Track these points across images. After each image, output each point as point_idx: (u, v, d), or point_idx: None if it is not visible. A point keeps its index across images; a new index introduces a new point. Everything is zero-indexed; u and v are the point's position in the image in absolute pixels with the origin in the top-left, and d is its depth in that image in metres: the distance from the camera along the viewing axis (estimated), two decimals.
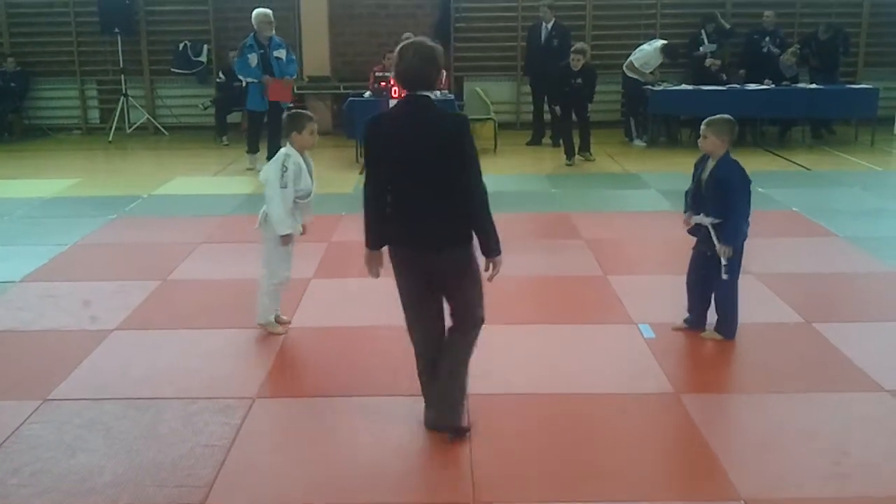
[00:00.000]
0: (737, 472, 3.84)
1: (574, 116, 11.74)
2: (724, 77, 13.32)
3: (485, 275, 3.98)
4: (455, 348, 4.09)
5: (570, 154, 11.74)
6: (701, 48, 13.56)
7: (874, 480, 3.78)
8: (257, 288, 5.51)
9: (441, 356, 4.09)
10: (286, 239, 5.34)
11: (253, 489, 3.75)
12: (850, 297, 6.25)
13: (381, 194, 3.92)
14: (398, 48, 3.87)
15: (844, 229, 7.89)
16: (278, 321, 5.57)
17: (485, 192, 3.83)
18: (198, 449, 4.07)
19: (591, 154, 11.88)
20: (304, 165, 5.29)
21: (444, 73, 12.79)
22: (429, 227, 3.86)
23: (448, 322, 4.12)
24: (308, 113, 5.45)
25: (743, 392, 4.72)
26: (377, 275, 4.09)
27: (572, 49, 11.58)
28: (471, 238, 3.90)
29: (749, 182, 5.09)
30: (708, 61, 13.44)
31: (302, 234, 5.57)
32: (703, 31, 13.74)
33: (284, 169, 5.18)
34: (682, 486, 3.79)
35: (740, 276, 5.24)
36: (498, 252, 3.92)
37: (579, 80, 11.53)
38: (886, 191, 9.95)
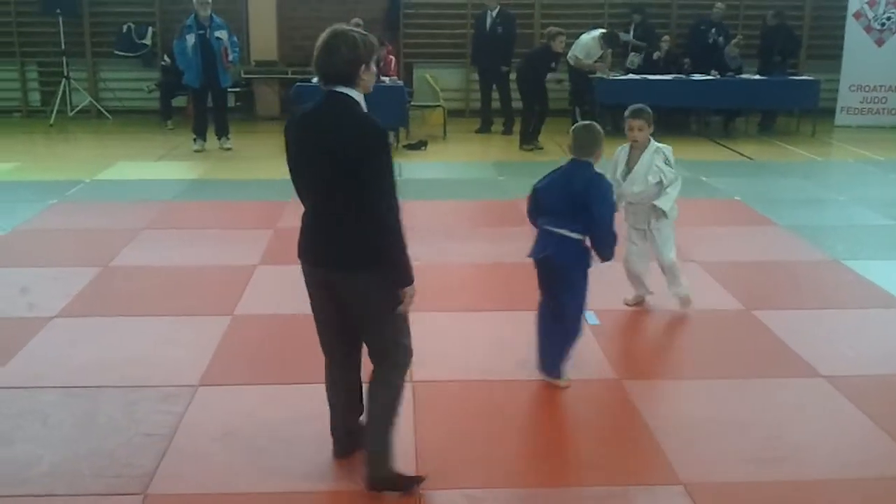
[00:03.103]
0: (677, 456, 3.90)
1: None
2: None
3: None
4: (375, 402, 3.54)
5: (524, 139, 11.96)
6: (622, 35, 13.38)
7: (809, 464, 3.87)
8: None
9: (364, 408, 3.64)
10: None
11: (196, 478, 3.71)
12: (789, 285, 6.37)
13: (302, 199, 3.49)
14: (319, 42, 3.30)
15: (785, 218, 8.04)
16: None
17: (394, 216, 3.26)
18: (138, 438, 4.01)
19: (537, 143, 12.04)
20: None
21: (394, 60, 12.77)
22: (336, 243, 3.36)
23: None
24: None
25: (684, 378, 4.79)
26: None
27: (555, 32, 11.65)
28: (375, 262, 3.34)
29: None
30: (630, 59, 13.43)
31: None
32: (632, 25, 13.90)
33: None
34: (623, 471, 3.83)
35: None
36: (408, 282, 3.34)
37: (553, 64, 11.78)
38: (826, 181, 10.16)
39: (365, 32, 3.34)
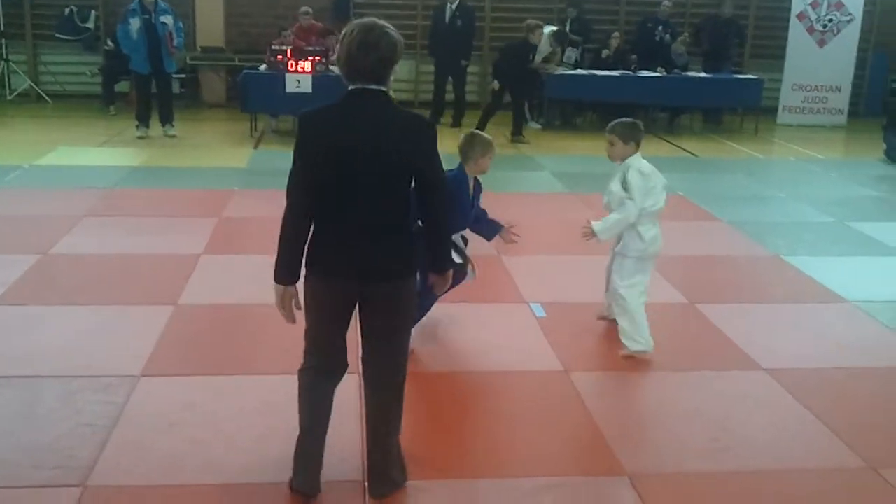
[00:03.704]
0: (622, 448, 3.93)
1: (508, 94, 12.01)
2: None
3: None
4: (394, 417, 3.44)
5: (518, 130, 12.09)
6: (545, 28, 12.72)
7: (750, 455, 3.93)
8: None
9: (371, 422, 3.47)
10: None
11: (138, 470, 3.64)
12: (731, 280, 6.47)
13: (308, 209, 3.10)
14: (348, 31, 3.09)
15: (728, 214, 8.17)
16: None
17: (450, 206, 3.38)
18: (78, 429, 3.92)
19: (523, 136, 12.21)
20: None
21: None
22: (378, 253, 3.15)
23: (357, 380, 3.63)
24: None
25: (629, 370, 4.84)
26: (294, 318, 3.27)
27: (535, 25, 11.76)
28: (417, 267, 3.34)
29: None
30: (566, 54, 13.33)
31: None
32: (568, 19, 14.00)
33: None
34: (570, 463, 3.86)
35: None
36: (450, 265, 3.49)
37: (531, 57, 11.88)
38: (768, 178, 10.35)
39: (396, 29, 3.16)
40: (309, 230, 3.13)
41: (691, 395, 4.54)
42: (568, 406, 4.37)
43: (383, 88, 3.11)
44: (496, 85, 12.04)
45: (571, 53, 13.48)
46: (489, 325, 5.37)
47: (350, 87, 3.11)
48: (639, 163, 4.80)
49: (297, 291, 3.22)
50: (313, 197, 3.09)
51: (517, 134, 12.06)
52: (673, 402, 4.47)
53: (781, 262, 6.84)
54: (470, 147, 4.77)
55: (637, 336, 4.87)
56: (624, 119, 4.97)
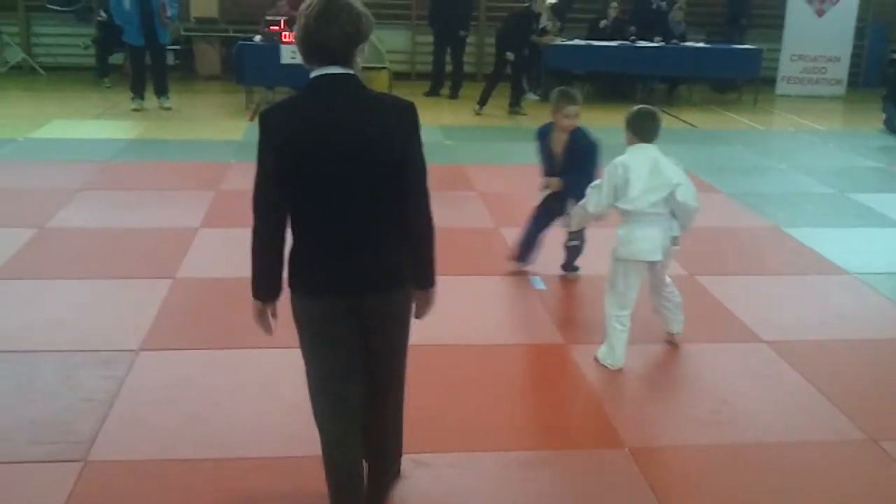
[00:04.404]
0: (622, 421, 3.93)
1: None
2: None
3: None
4: (397, 424, 3.21)
5: (485, 102, 11.92)
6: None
7: (749, 428, 3.92)
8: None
9: (370, 458, 3.12)
10: None
11: (137, 445, 3.62)
12: (731, 252, 6.45)
13: (282, 217, 2.71)
14: (306, 3, 2.66)
15: (728, 186, 8.14)
16: None
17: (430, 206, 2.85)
18: (77, 404, 3.90)
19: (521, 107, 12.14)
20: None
21: None
22: (371, 259, 2.75)
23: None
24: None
25: (629, 342, 4.82)
26: (271, 330, 2.93)
27: None
28: (411, 274, 2.91)
29: None
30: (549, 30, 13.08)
31: None
32: None
33: None
34: (570, 436, 3.85)
35: None
36: (435, 281, 2.97)
37: (535, 25, 11.84)
38: (768, 149, 10.31)
39: (363, 3, 2.70)
40: (283, 240, 2.74)
41: (691, 367, 4.54)
42: (568, 379, 4.37)
43: (350, 72, 2.67)
44: (511, 55, 11.83)
45: (556, 23, 13.40)
46: (489, 297, 5.36)
47: (312, 75, 2.67)
48: (627, 155, 4.33)
49: (275, 303, 2.88)
50: (285, 206, 2.69)
51: (515, 105, 11.98)
52: (672, 374, 4.46)
53: (781, 233, 6.82)
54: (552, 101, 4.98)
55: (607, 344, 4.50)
56: (640, 107, 4.50)
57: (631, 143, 4.38)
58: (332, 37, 2.60)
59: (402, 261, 2.83)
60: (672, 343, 4.69)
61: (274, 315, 2.91)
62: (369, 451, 3.08)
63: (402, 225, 2.78)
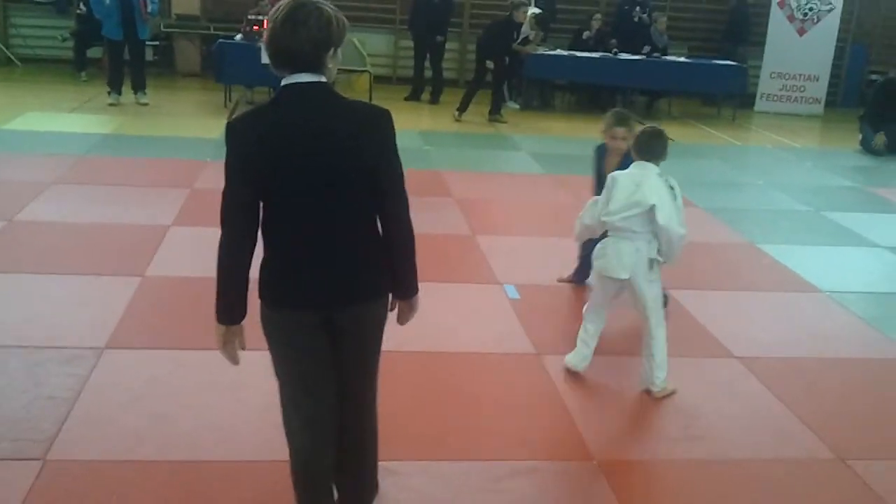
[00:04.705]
0: (593, 434, 3.91)
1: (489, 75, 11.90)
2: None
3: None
4: (373, 437, 3.09)
5: (465, 108, 11.88)
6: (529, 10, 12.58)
7: (721, 444, 3.91)
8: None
9: (343, 479, 3.05)
10: None
11: (100, 444, 3.56)
12: (706, 267, 6.45)
13: (248, 234, 2.61)
14: (275, 7, 2.57)
15: (704, 201, 8.15)
16: None
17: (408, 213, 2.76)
18: (40, 401, 3.83)
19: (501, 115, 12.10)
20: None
21: None
22: (344, 271, 2.66)
23: None
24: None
25: (602, 354, 4.78)
26: (237, 360, 2.80)
27: (519, 3, 11.61)
28: (389, 285, 2.84)
29: None
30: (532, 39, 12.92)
31: None
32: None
33: None
34: (540, 448, 3.82)
35: None
36: (418, 289, 2.91)
37: (516, 34, 11.80)
38: (744, 165, 10.36)
39: (336, 7, 2.63)
40: (250, 259, 2.62)
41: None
42: (540, 390, 4.34)
43: (321, 79, 2.57)
44: (490, 64, 11.82)
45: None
46: (461, 305, 5.32)
47: (283, 83, 2.58)
48: (625, 170, 4.34)
49: (242, 330, 2.75)
50: (254, 219, 2.60)
51: (495, 112, 11.98)
52: (642, 388, 4.44)
53: (756, 250, 6.83)
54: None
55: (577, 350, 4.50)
56: (647, 126, 4.52)
57: (636, 160, 4.35)
58: (299, 42, 2.50)
59: (379, 272, 2.75)
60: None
61: (242, 346, 2.77)
62: (344, 464, 2.99)
63: (378, 234, 2.70)
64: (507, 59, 11.85)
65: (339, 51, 2.62)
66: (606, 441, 3.86)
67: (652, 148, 4.33)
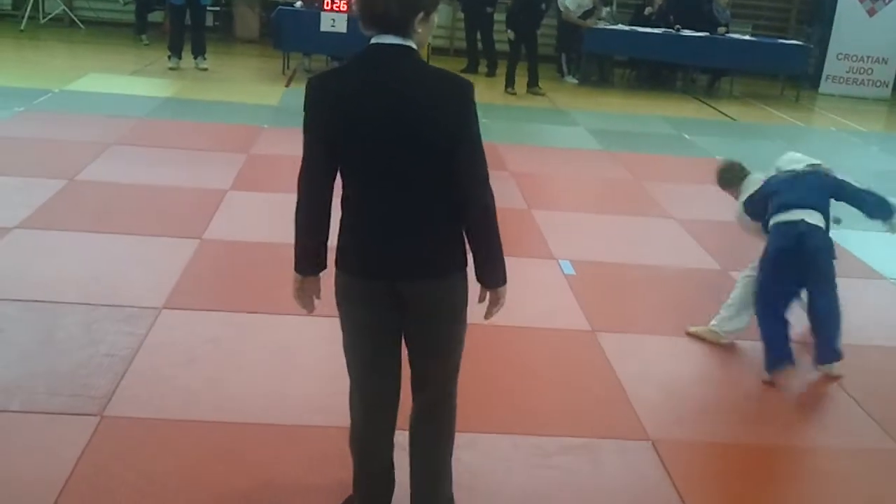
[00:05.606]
0: (646, 412, 3.84)
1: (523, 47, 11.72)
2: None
3: (475, 311, 2.75)
4: (449, 439, 2.89)
5: (510, 82, 11.75)
6: None
7: (780, 430, 3.82)
8: None
9: (414, 457, 2.89)
10: None
11: (155, 402, 3.59)
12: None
13: (324, 191, 2.55)
14: None
15: None
16: None
17: (492, 195, 2.58)
18: (97, 358, 3.87)
19: (539, 87, 11.88)
20: None
21: None
22: (415, 244, 2.55)
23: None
24: None
25: (657, 333, 4.73)
26: (310, 308, 2.77)
27: None
28: (466, 262, 2.66)
29: None
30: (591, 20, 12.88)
31: None
32: None
33: None
34: (592, 424, 3.77)
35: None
36: (505, 279, 2.73)
37: (544, 6, 11.62)
38: (808, 147, 10.04)
39: None
40: (328, 215, 2.58)
41: (722, 363, 4.43)
42: (593, 366, 4.28)
43: (407, 43, 2.46)
44: (511, 35, 11.72)
45: (603, 10, 13.20)
46: (517, 279, 5.17)
47: (370, 42, 2.49)
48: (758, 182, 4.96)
49: (318, 281, 2.71)
50: (328, 175, 2.53)
51: (533, 85, 11.85)
52: (701, 367, 4.37)
53: None
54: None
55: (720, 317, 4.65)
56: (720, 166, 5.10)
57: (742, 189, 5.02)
58: (387, 4, 2.39)
59: (450, 251, 2.60)
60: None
61: (317, 296, 2.74)
62: (415, 472, 2.90)
63: (453, 213, 2.56)
64: (535, 31, 11.70)
65: (434, 16, 2.52)
66: (662, 420, 3.80)
67: (737, 173, 5.17)
